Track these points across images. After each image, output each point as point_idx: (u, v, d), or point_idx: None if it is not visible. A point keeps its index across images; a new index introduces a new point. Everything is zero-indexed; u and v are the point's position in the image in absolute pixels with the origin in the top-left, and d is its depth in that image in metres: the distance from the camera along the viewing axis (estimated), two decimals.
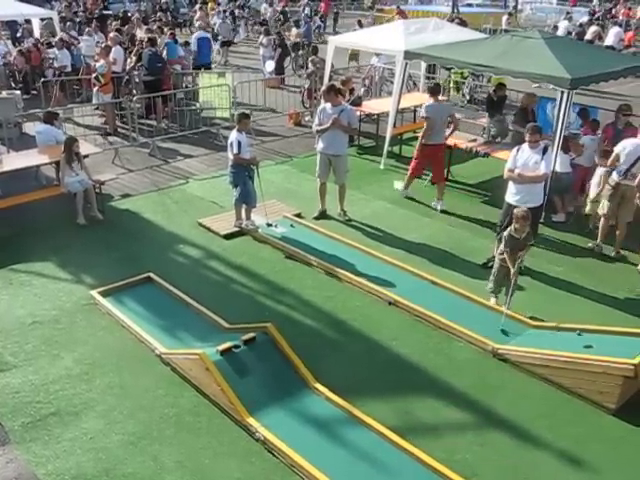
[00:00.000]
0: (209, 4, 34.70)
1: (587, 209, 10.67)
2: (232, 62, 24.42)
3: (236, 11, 31.39)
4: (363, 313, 8.25)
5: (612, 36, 25.01)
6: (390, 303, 8.37)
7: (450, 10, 33.57)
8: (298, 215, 10.89)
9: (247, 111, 11.00)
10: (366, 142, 15.15)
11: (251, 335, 6.95)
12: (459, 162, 13.27)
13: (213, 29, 25.92)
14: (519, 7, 43.88)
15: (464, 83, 19.50)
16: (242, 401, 6.32)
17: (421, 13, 31.93)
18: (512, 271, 7.94)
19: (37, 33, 21.09)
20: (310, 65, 17.69)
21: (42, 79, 16.88)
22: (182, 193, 12.00)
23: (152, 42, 16.22)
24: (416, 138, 13.26)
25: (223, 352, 6.67)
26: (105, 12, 30.32)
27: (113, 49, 15.87)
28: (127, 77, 16.60)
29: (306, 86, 17.57)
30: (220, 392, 6.40)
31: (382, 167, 13.44)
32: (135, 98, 14.99)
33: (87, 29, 20.95)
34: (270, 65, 20.13)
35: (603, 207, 9.95)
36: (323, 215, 10.97)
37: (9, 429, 6.23)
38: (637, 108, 13.22)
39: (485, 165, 13.06)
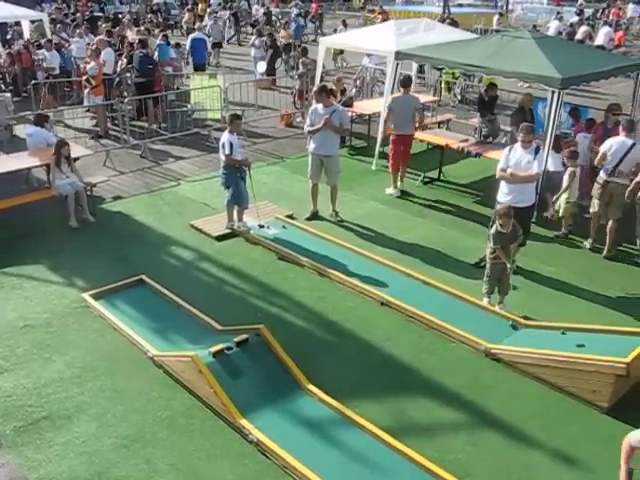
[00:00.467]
0: (199, 6, 34.70)
1: (561, 211, 10.57)
2: (224, 63, 24.39)
3: (228, 12, 31.33)
4: (355, 314, 8.25)
5: (602, 36, 25.12)
6: (382, 304, 8.37)
7: (441, 10, 33.60)
8: (290, 216, 10.89)
9: (239, 112, 10.99)
10: (358, 143, 15.16)
11: (244, 337, 6.94)
12: (451, 162, 13.29)
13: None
14: (510, 7, 44.01)
15: (455, 83, 19.53)
16: (235, 403, 6.30)
17: (412, 14, 31.94)
18: (508, 266, 7.99)
19: (27, 35, 21.02)
20: (301, 66, 17.69)
21: (33, 81, 16.82)
22: (174, 195, 11.98)
23: (143, 44, 16.21)
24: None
25: (215, 354, 6.65)
26: (96, 14, 30.28)
27: (103, 51, 15.83)
28: (118, 79, 16.56)
29: (297, 87, 17.57)
30: (213, 394, 6.38)
31: (374, 168, 13.45)
32: (126, 100, 14.95)
33: (77, 31, 20.89)
34: (262, 66, 20.11)
35: (593, 205, 10.02)
36: (315, 216, 10.97)
37: (1, 433, 6.20)
38: (627, 108, 13.32)
39: (477, 165, 13.08)
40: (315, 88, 11.14)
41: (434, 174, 13.02)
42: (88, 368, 7.14)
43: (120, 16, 28.09)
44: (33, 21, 21.63)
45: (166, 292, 8.38)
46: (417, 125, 12.24)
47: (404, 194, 12.16)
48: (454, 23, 24.04)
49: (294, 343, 7.35)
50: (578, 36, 26.17)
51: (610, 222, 9.93)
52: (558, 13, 34.12)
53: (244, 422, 6.16)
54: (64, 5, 33.51)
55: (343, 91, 15.64)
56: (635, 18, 38.38)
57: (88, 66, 15.17)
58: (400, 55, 12.96)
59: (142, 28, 20.82)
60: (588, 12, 37.24)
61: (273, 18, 33.31)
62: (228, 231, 10.28)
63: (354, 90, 18.21)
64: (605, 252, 9.98)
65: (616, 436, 6.23)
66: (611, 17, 35.59)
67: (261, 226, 10.33)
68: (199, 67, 19.89)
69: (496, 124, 13.49)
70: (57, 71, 17.83)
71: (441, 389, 6.93)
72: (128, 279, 8.71)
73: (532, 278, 9.13)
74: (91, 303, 8.22)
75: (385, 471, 5.75)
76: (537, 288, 8.95)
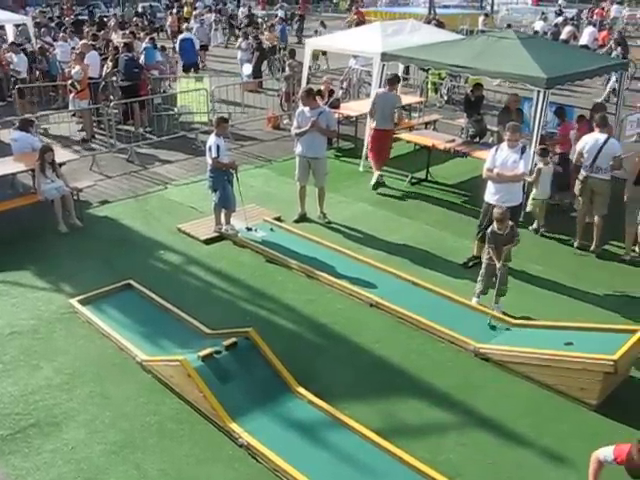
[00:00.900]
0: (185, 9, 34.66)
1: (528, 207, 10.64)
2: (210, 66, 24.35)
3: (214, 15, 31.31)
4: (345, 316, 8.24)
5: (586, 36, 25.25)
6: (372, 305, 8.37)
7: (427, 12, 33.68)
8: (278, 219, 10.87)
9: (225, 115, 10.96)
10: (345, 144, 15.15)
11: (232, 340, 6.92)
12: (438, 163, 13.31)
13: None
14: (495, 8, 44.18)
15: (442, 84, 19.58)
16: (224, 407, 6.28)
17: (398, 15, 31.97)
18: (498, 265, 8.01)
19: (11, 39, 20.90)
20: (287, 68, 17.68)
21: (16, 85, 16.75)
22: (161, 199, 11.94)
23: (128, 47, 16.14)
24: (396, 140, 13.36)
25: (204, 358, 6.63)
26: (81, 17, 30.19)
27: (87, 55, 15.76)
28: (104, 83, 16.49)
29: (284, 89, 17.56)
30: (202, 398, 6.36)
31: (361, 169, 13.44)
32: (112, 104, 14.90)
33: (62, 35, 20.81)
34: (247, 68, 20.09)
35: (578, 203, 10.11)
36: (303, 218, 10.95)
37: None
38: (615, 107, 13.41)
39: (464, 165, 13.10)
40: (301, 91, 11.13)
41: (421, 175, 13.03)
42: (76, 374, 7.09)
43: (105, 19, 28.04)
44: (18, 25, 21.52)
45: (154, 296, 8.35)
46: (395, 122, 12.55)
47: (391, 195, 12.18)
48: (440, 24, 24.10)
49: (283, 346, 7.33)
50: (563, 36, 26.33)
51: (596, 219, 10.00)
52: (543, 13, 34.33)
53: (234, 426, 6.14)
54: (48, 9, 33.37)
55: (331, 92, 15.64)
56: (618, 18, 38.57)
57: (73, 70, 15.09)
58: (386, 56, 12.97)
59: (127, 32, 20.76)
60: (571, 12, 37.46)
61: (259, 20, 33.29)
62: (216, 234, 10.24)
63: (341, 92, 18.21)
64: (593, 248, 10.04)
65: (604, 433, 6.31)
66: (595, 17, 35.81)
67: (249, 229, 10.31)
68: (189, 67, 20.05)
69: (482, 124, 13.53)
70: (23, 75, 17.71)
71: (431, 390, 6.93)
72: (116, 284, 8.67)
73: (520, 277, 9.14)
74: (79, 309, 8.18)
75: (376, 473, 5.75)
76: (525, 287, 8.97)
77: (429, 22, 24.72)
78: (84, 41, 17.22)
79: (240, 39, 22.54)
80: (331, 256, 9.56)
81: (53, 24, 26.34)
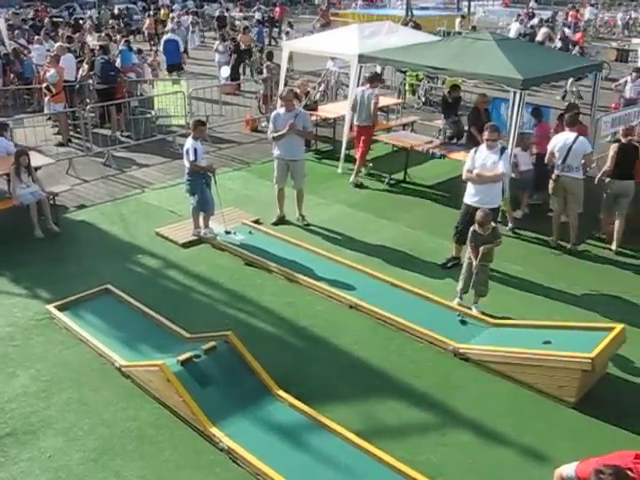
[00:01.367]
0: (162, 11, 34.48)
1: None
2: (188, 69, 24.20)
3: (191, 18, 31.16)
4: (324, 318, 8.24)
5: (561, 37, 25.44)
6: (351, 307, 8.37)
7: (404, 13, 33.82)
8: (256, 221, 10.84)
9: (203, 118, 10.91)
10: (323, 146, 15.16)
11: (212, 344, 6.88)
12: (416, 164, 13.35)
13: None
14: (472, 10, 44.43)
15: (419, 85, 19.65)
16: (204, 411, 6.25)
17: (375, 17, 32.07)
18: (474, 264, 8.07)
19: None
20: (265, 71, 17.65)
21: None
22: (139, 203, 11.86)
23: (104, 50, 16.02)
24: (373, 141, 13.41)
25: (184, 362, 6.59)
26: (55, 19, 29.96)
27: (62, 57, 15.62)
28: (79, 86, 16.37)
29: (262, 91, 17.53)
30: (182, 403, 6.32)
31: (340, 171, 13.45)
32: (88, 107, 14.80)
33: (37, 37, 20.62)
34: (225, 71, 20.04)
35: (553, 203, 10.20)
36: (282, 221, 10.94)
37: None
38: (590, 108, 13.52)
39: (442, 166, 13.16)
40: (282, 92, 11.11)
41: (400, 176, 13.07)
42: (54, 381, 7.02)
43: (81, 22, 27.83)
44: None
45: (132, 301, 8.29)
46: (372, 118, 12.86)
47: (370, 196, 12.20)
48: (417, 26, 24.24)
49: (263, 349, 7.31)
50: (538, 38, 26.51)
51: (571, 218, 10.13)
52: (519, 15, 34.59)
53: (214, 430, 6.11)
54: (22, 10, 33.05)
55: (307, 94, 15.64)
56: (592, 20, 39.00)
57: (48, 73, 14.94)
58: (363, 58, 13.02)
59: (103, 34, 20.63)
60: (546, 14, 37.76)
61: (237, 23, 33.20)
62: (194, 238, 10.20)
63: (318, 94, 18.22)
64: (570, 246, 10.14)
65: (583, 430, 6.38)
66: (569, 19, 36.13)
67: (228, 232, 10.27)
68: (173, 68, 20.11)
69: (460, 125, 13.59)
70: None
71: (411, 390, 6.95)
72: (94, 289, 8.59)
73: (499, 277, 9.19)
74: (56, 315, 8.09)
75: (357, 474, 5.74)
76: (504, 287, 9.02)
77: (406, 24, 24.84)
78: (59, 43, 17.06)
79: (217, 41, 22.46)
80: (310, 258, 9.55)
81: (27, 26, 26.09)
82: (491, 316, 8.12)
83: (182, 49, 21.97)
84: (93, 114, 15.39)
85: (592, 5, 42.88)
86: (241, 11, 37.99)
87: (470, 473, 5.89)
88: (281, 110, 10.70)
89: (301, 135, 10.67)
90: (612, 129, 13.39)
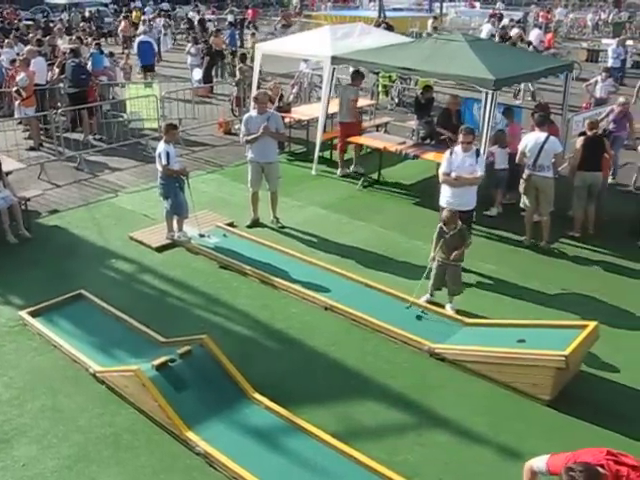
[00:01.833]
0: (134, 14, 34.29)
1: None
2: (160, 72, 24.10)
3: (163, 20, 30.98)
4: (300, 320, 8.23)
5: (533, 38, 25.65)
6: (326, 308, 8.37)
7: (377, 15, 33.91)
8: (231, 224, 10.81)
9: (174, 121, 10.86)
10: (297, 148, 15.16)
11: (187, 348, 6.84)
12: (389, 165, 13.42)
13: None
14: (444, 11, 44.63)
15: (392, 86, 19.72)
16: (180, 416, 6.22)
17: (348, 18, 32.13)
18: (431, 255, 8.30)
19: None
20: (238, 73, 17.61)
21: None
22: (112, 207, 11.77)
23: (75, 53, 15.88)
24: (347, 143, 13.45)
25: (159, 367, 6.54)
26: (26, 22, 29.64)
27: (33, 61, 15.45)
28: (50, 89, 16.21)
29: (235, 94, 17.49)
30: (157, 408, 6.28)
31: (314, 173, 13.47)
32: (60, 111, 14.66)
33: (6, 40, 20.39)
34: (198, 73, 19.96)
35: (524, 202, 10.30)
36: (256, 223, 10.91)
37: None
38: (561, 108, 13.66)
39: (415, 167, 13.24)
40: (255, 94, 11.09)
41: (374, 177, 13.09)
42: (27, 388, 6.94)
43: (51, 24, 27.56)
44: None
45: (106, 306, 8.22)
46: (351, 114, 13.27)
47: (344, 198, 12.23)
48: (389, 27, 24.29)
49: (239, 352, 7.30)
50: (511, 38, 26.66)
51: (543, 217, 10.26)
52: (490, 17, 34.84)
53: (190, 434, 6.08)
54: None
55: (281, 97, 15.63)
56: (563, 20, 39.42)
57: (18, 77, 14.77)
58: (336, 60, 13.04)
59: (74, 37, 20.46)
60: (518, 15, 38.10)
61: (207, 25, 33.09)
62: (168, 242, 10.15)
63: (292, 96, 18.21)
64: (543, 244, 10.25)
65: (558, 428, 6.44)
66: (540, 20, 36.47)
67: (202, 235, 10.24)
68: (147, 68, 20.61)
69: (433, 126, 13.63)
70: None
71: (387, 391, 6.96)
72: (67, 294, 8.50)
73: (473, 277, 9.26)
74: (29, 321, 8.00)
75: (334, 476, 5.74)
76: (479, 286, 9.08)
77: (379, 25, 24.89)
78: (30, 47, 16.89)
79: (189, 44, 22.38)
80: (285, 260, 9.55)
81: None
82: (466, 315, 8.16)
83: (155, 50, 21.92)
84: (65, 118, 15.27)
85: (563, 6, 43.39)
86: (213, 13, 37.81)
87: (447, 473, 5.91)
88: (253, 112, 10.69)
89: (274, 137, 10.66)
90: (584, 129, 13.52)
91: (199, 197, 10.71)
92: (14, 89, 14.87)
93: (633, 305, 8.70)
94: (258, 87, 14.82)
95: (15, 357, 7.47)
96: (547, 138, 9.93)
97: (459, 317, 8.11)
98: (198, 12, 36.35)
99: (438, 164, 10.79)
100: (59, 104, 16.16)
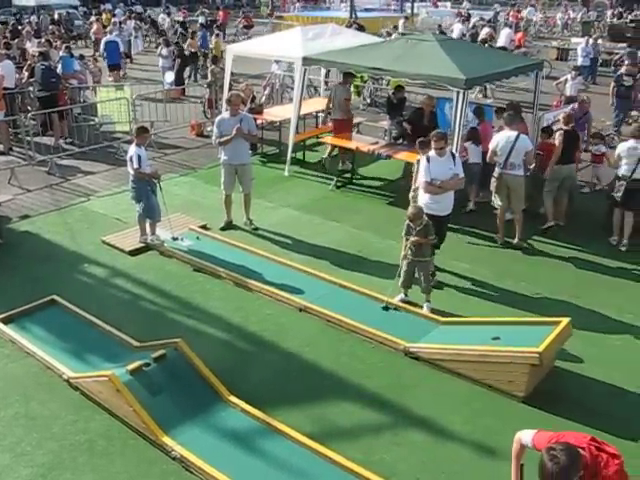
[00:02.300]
0: (104, 16, 34.03)
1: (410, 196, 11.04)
2: (131, 75, 23.95)
3: (134, 22, 30.77)
4: (274, 322, 8.22)
5: (503, 37, 25.87)
6: (301, 310, 8.37)
7: (348, 15, 34.00)
8: (204, 227, 10.76)
9: (146, 124, 10.80)
10: (269, 149, 15.13)
11: (161, 352, 6.81)
12: (362, 165, 13.46)
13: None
14: (415, 11, 44.85)
15: (364, 87, 19.76)
16: (156, 420, 6.19)
17: (320, 19, 32.20)
18: (402, 253, 8.37)
19: None
20: (209, 75, 17.56)
21: None
22: (84, 211, 11.67)
23: (44, 56, 15.71)
24: (320, 144, 13.47)
25: (133, 372, 6.50)
26: None
27: (1, 64, 15.23)
28: (20, 93, 16.02)
29: (207, 96, 17.43)
30: (132, 413, 6.24)
31: (287, 174, 13.45)
32: (30, 115, 14.51)
33: None
34: (170, 76, 19.86)
35: (496, 200, 10.38)
36: (229, 225, 10.88)
37: None
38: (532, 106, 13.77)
39: (387, 167, 13.30)
40: (228, 96, 11.05)
41: (347, 177, 13.11)
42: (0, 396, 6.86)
43: (20, 27, 27.25)
44: None
45: (80, 312, 8.14)
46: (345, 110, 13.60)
47: (317, 199, 12.25)
48: (361, 28, 24.36)
49: (213, 355, 7.28)
50: (480, 37, 26.85)
51: (515, 214, 10.35)
52: (461, 16, 35.09)
53: (166, 439, 6.05)
54: None
55: (253, 98, 15.60)
56: (532, 20, 39.79)
57: None
58: (307, 61, 13.05)
59: (43, 40, 20.26)
60: (488, 15, 38.38)
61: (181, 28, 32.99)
62: (141, 245, 10.08)
63: (264, 97, 18.18)
64: (516, 242, 10.34)
65: (533, 424, 6.39)
66: (511, 19, 36.77)
67: (175, 238, 10.19)
68: (114, 67, 20.85)
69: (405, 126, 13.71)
70: None
71: (363, 391, 6.97)
72: (39, 300, 8.40)
73: (447, 275, 9.31)
74: (0, 328, 7.90)
75: (311, 477, 5.76)
76: (453, 285, 9.13)
77: (350, 26, 24.95)
78: None
79: (160, 46, 22.27)
80: (259, 262, 9.53)
81: None
82: (440, 314, 8.20)
83: (122, 49, 22.34)
84: (35, 122, 15.10)
85: (532, 6, 43.79)
86: (184, 15, 37.61)
87: (424, 471, 5.93)
88: (226, 114, 10.67)
89: (247, 139, 10.64)
90: (554, 127, 13.67)
91: (172, 200, 10.66)
92: None
93: (605, 301, 8.80)
94: (230, 89, 14.78)
95: None
96: (518, 136, 10.01)
97: (434, 316, 8.15)
98: (168, 14, 36.18)
99: (407, 164, 10.88)
100: (29, 108, 15.98)
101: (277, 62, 18.33)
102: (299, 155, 14.25)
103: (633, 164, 10.13)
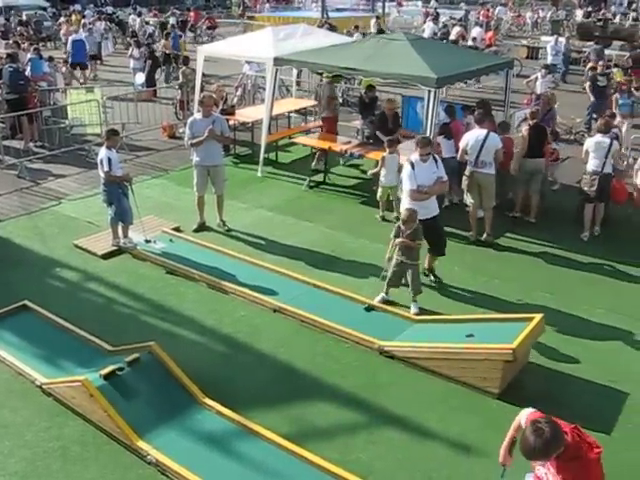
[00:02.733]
0: (73, 17, 33.70)
1: (377, 195, 11.25)
2: (102, 76, 23.75)
3: (104, 24, 30.49)
4: (249, 323, 8.20)
5: (474, 35, 26.01)
6: (275, 310, 8.36)
7: (320, 15, 34.00)
8: (177, 229, 10.70)
9: (117, 127, 10.71)
10: (242, 150, 15.09)
11: (135, 356, 6.76)
12: (335, 164, 13.45)
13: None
14: (386, 10, 44.96)
15: (337, 86, 19.73)
16: (130, 425, 6.14)
17: (291, 19, 32.16)
18: (387, 256, 8.38)
19: None
20: (181, 76, 17.47)
21: None
22: (55, 215, 11.55)
23: (12, 58, 15.53)
24: (292, 144, 13.45)
25: (107, 376, 6.44)
26: None
27: None
28: None
29: (178, 97, 17.34)
30: (107, 418, 6.19)
31: (259, 175, 13.42)
32: None
33: None
34: (140, 77, 19.71)
35: (468, 198, 10.48)
36: (202, 227, 10.83)
37: None
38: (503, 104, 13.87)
39: (360, 166, 13.28)
40: (201, 97, 11.00)
41: (319, 178, 13.13)
42: None
43: None
44: None
45: (52, 317, 8.06)
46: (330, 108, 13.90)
47: (290, 199, 12.25)
48: (332, 28, 24.37)
49: (188, 358, 7.23)
50: (452, 37, 27.05)
51: (486, 212, 10.46)
52: (431, 15, 35.25)
53: (141, 443, 6.01)
54: None
55: (224, 99, 15.53)
56: (502, 19, 40.10)
57: None
58: (279, 61, 13.03)
59: (11, 41, 20.02)
60: (459, 14, 38.60)
61: (151, 29, 32.79)
62: (114, 248, 10.00)
63: (236, 98, 18.12)
64: (485, 236, 10.44)
65: (509, 419, 6.42)
66: (481, 18, 37.02)
67: (148, 241, 10.11)
68: (80, 66, 21.12)
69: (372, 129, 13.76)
70: None
71: (338, 391, 6.98)
72: (10, 306, 8.30)
73: (420, 274, 9.32)
74: None
75: (288, 478, 5.75)
76: (427, 283, 9.13)
77: (322, 26, 24.96)
78: None
79: (131, 48, 22.11)
80: (233, 264, 9.50)
81: None
82: (414, 312, 8.24)
83: (88, 48, 22.46)
84: (4, 125, 14.94)
85: (502, 5, 44.15)
86: (155, 16, 37.39)
87: (400, 469, 5.96)
88: (198, 116, 10.62)
89: (220, 140, 10.61)
90: (525, 124, 13.79)
91: (144, 202, 10.59)
92: None
93: (577, 297, 8.91)
94: (202, 90, 14.72)
95: None
96: (487, 134, 10.09)
97: (408, 314, 8.19)
98: (139, 15, 35.91)
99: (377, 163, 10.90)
100: None
101: (249, 63, 18.27)
102: (272, 156, 14.23)
103: (602, 158, 10.29)
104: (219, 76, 19.39)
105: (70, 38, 22.33)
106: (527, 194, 11.22)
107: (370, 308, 8.34)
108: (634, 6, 48.04)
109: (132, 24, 34.37)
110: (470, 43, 24.46)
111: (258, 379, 7.18)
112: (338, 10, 40.22)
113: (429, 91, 11.02)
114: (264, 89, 16.07)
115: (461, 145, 10.30)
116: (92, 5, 43.19)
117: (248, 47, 14.64)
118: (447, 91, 20.24)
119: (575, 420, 6.27)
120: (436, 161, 8.78)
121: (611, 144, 10.36)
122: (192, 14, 36.53)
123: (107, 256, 9.87)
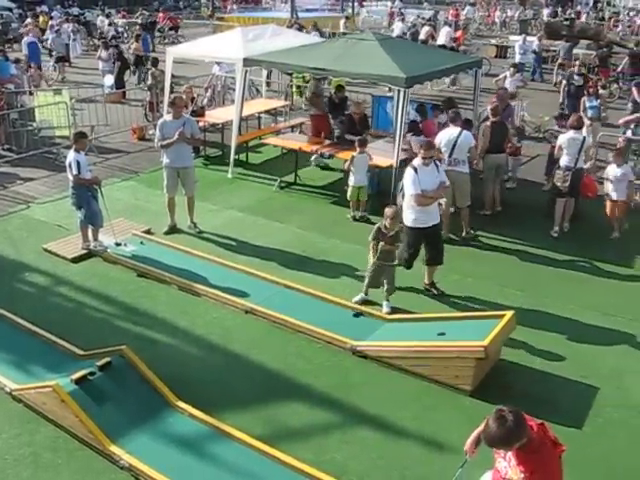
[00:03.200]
0: (40, 18, 33.35)
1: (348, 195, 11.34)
2: (70, 78, 23.51)
3: (72, 25, 30.15)
4: (220, 325, 8.17)
5: (443, 36, 26.16)
6: (247, 312, 8.34)
7: (289, 16, 34.00)
8: (147, 231, 10.63)
9: (85, 129, 10.61)
10: (212, 152, 15.02)
11: (106, 360, 6.70)
12: (306, 165, 13.47)
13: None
14: (356, 10, 45.08)
15: (306, 87, 19.72)
16: (103, 429, 6.08)
17: (261, 20, 32.13)
18: (371, 260, 8.32)
19: None
20: (150, 78, 17.35)
21: None
22: (24, 219, 11.41)
23: None
24: (262, 145, 13.43)
25: (78, 381, 6.37)
26: None
27: None
28: None
29: (148, 99, 17.23)
30: (78, 423, 6.12)
31: (230, 176, 13.37)
32: None
33: None
34: (109, 79, 19.55)
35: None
36: (173, 229, 10.78)
37: None
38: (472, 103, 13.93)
39: (331, 166, 13.30)
40: (171, 99, 10.93)
41: (290, 178, 13.10)
42: None
43: None
44: None
45: (21, 321, 7.95)
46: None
47: (261, 200, 12.23)
48: (302, 28, 24.38)
49: (160, 361, 7.19)
50: (421, 36, 27.19)
51: (462, 210, 10.55)
52: (401, 14, 35.43)
53: (114, 448, 5.96)
54: None
55: (193, 99, 15.47)
56: (471, 18, 40.44)
57: None
58: (248, 62, 13.00)
59: None
60: (427, 13, 38.83)
61: (120, 30, 32.52)
62: (84, 252, 9.90)
63: (205, 99, 18.05)
64: (464, 234, 10.55)
65: (481, 417, 6.44)
66: (450, 18, 37.27)
67: (118, 244, 10.02)
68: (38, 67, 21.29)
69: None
70: None
71: (311, 391, 6.99)
72: None
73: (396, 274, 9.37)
74: None
75: (262, 479, 5.73)
76: (400, 282, 9.13)
77: (291, 26, 24.96)
78: None
79: (100, 49, 21.92)
80: (204, 266, 9.45)
81: None
82: (386, 311, 8.26)
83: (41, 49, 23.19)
84: None
85: (471, 4, 44.53)
86: (124, 17, 37.10)
87: (375, 468, 5.97)
88: (168, 117, 10.57)
89: (190, 143, 10.57)
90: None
91: (114, 205, 10.51)
92: None
93: (549, 294, 9.00)
94: (171, 91, 14.63)
95: None
96: (460, 133, 10.16)
97: (380, 314, 8.21)
98: (107, 16, 35.62)
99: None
100: None
101: (218, 64, 18.21)
102: (242, 157, 14.19)
103: (575, 154, 10.41)
104: (188, 77, 19.29)
105: (24, 41, 22.79)
106: (493, 189, 11.43)
107: (358, 314, 8.26)
108: (599, 6, 48.80)
109: (100, 25, 34.08)
110: (440, 42, 24.58)
111: (231, 381, 7.15)
112: (308, 10, 40.26)
113: (399, 91, 11.07)
114: (234, 90, 16.02)
115: (435, 143, 10.33)
116: (59, 6, 42.71)
117: (217, 48, 14.59)
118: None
119: (546, 415, 6.41)
120: (437, 165, 8.73)
121: (584, 140, 10.50)
122: (161, 15, 36.32)
123: (77, 260, 9.77)
